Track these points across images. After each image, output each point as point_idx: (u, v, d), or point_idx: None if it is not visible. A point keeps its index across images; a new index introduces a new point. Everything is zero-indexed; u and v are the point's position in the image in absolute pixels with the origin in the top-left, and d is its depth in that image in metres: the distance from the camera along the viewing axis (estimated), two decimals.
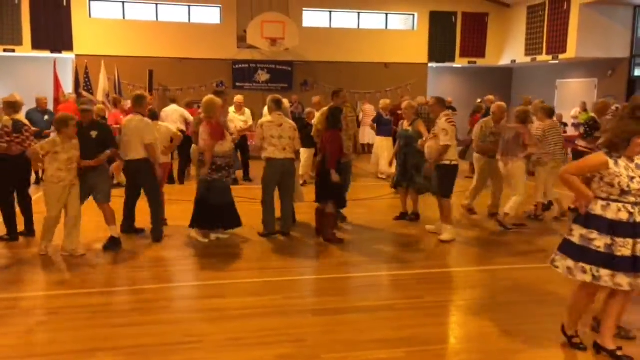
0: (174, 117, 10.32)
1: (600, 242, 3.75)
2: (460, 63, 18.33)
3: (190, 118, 10.11)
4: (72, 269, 5.81)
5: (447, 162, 6.84)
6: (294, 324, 4.51)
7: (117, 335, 4.26)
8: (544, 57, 16.14)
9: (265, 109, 10.07)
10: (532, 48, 16.69)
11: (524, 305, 4.98)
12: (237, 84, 16.60)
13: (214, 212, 6.69)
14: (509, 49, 17.91)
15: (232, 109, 10.50)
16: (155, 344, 4.14)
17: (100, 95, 13.94)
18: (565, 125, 13.40)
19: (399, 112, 9.89)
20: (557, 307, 4.87)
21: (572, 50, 14.91)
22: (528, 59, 16.90)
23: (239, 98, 11.07)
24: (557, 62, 16.11)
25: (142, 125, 6.60)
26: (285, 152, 6.87)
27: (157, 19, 16.46)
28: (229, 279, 5.61)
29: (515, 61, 17.59)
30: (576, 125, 13.83)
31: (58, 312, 4.70)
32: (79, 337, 4.27)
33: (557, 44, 15.45)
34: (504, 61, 18.21)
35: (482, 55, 18.26)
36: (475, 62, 18.31)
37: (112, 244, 6.41)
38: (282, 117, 6.96)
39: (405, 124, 7.93)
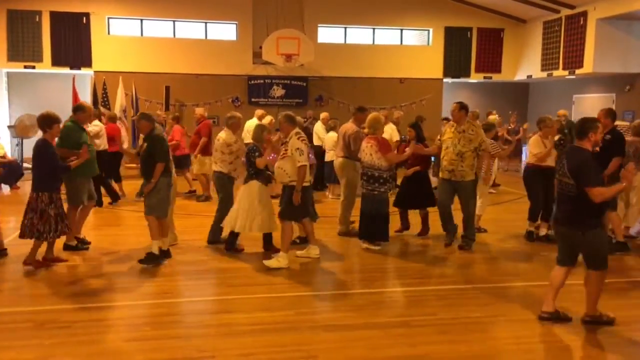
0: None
1: None
2: (475, 78, 18.27)
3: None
4: (82, 283, 5.84)
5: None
6: (306, 340, 4.46)
7: (129, 350, 4.25)
8: (560, 73, 16.01)
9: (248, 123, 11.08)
10: (548, 63, 16.58)
11: (540, 323, 4.86)
12: (253, 99, 16.71)
13: (380, 224, 6.98)
14: (525, 64, 17.82)
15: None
16: (167, 359, 4.12)
17: (117, 111, 14.16)
18: None
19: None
20: (575, 327, 4.77)
21: (589, 66, 14.77)
22: (544, 74, 16.79)
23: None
24: (573, 77, 15.98)
25: None
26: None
27: (174, 35, 16.68)
28: (240, 294, 5.58)
29: (531, 76, 17.49)
30: None
31: (70, 325, 4.70)
32: (91, 351, 4.27)
33: (574, 59, 15.33)
34: (520, 76, 18.11)
35: (497, 70, 18.18)
36: (490, 77, 18.24)
37: (150, 259, 6.29)
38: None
39: None
